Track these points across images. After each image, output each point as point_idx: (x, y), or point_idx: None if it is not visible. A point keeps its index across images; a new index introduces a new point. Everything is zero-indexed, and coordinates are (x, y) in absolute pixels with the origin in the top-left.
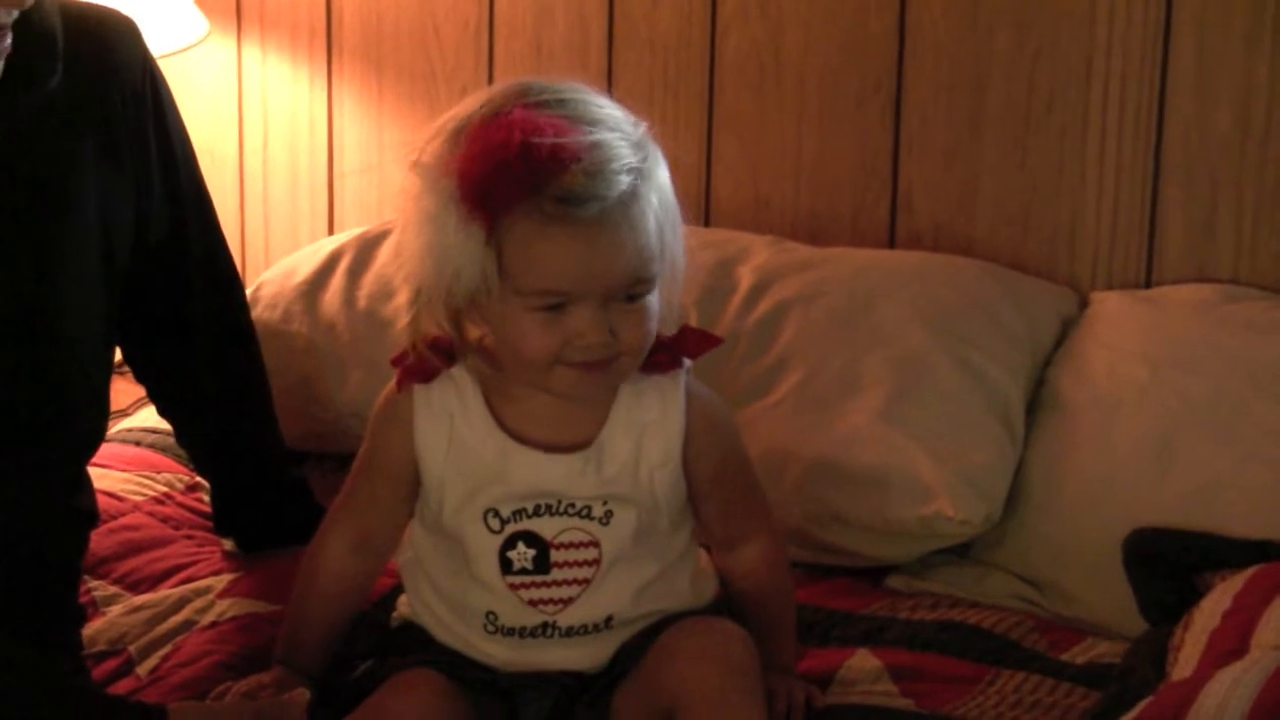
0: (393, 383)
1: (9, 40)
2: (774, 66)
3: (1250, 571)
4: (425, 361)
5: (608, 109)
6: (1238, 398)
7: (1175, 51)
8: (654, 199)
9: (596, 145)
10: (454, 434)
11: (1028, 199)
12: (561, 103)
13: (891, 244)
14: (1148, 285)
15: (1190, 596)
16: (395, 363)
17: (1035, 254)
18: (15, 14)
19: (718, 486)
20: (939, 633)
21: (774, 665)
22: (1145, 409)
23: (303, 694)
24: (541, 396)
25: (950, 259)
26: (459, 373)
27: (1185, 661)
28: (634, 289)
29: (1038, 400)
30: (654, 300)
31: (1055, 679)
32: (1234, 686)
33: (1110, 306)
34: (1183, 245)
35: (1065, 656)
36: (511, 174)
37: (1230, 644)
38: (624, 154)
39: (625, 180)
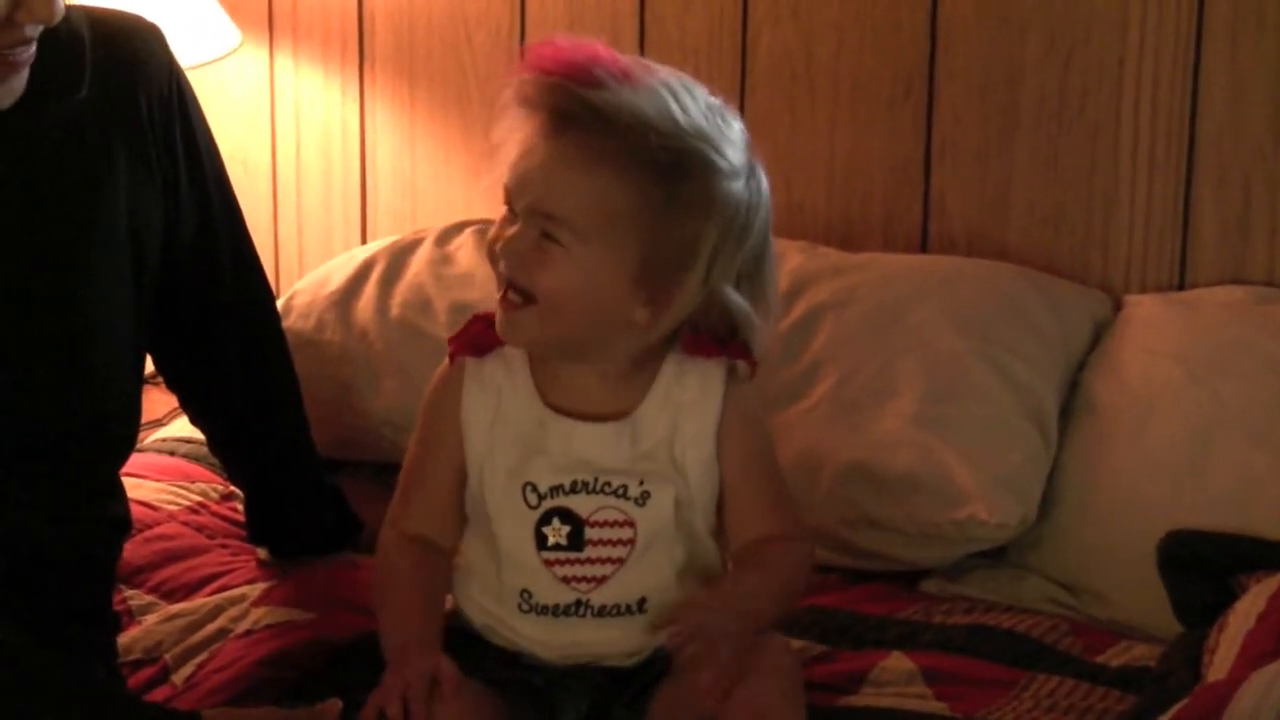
0: (445, 361)
1: (33, 50)
2: (805, 70)
3: None
4: (481, 336)
5: (712, 109)
6: (1273, 400)
7: (1207, 52)
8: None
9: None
10: (500, 408)
11: (1060, 201)
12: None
13: (924, 248)
14: (1181, 288)
15: (1225, 599)
16: (451, 341)
17: (1068, 257)
18: (41, 27)
19: (745, 482)
20: (973, 636)
21: (718, 595)
22: (1179, 412)
23: (335, 704)
24: (584, 370)
25: (983, 263)
26: (510, 349)
27: (1220, 664)
28: (539, 219)
29: (1072, 403)
30: (571, 256)
31: (1090, 682)
32: (1269, 689)
33: (1144, 309)
34: (1216, 247)
35: (1100, 660)
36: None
37: (1265, 646)
38: (668, 110)
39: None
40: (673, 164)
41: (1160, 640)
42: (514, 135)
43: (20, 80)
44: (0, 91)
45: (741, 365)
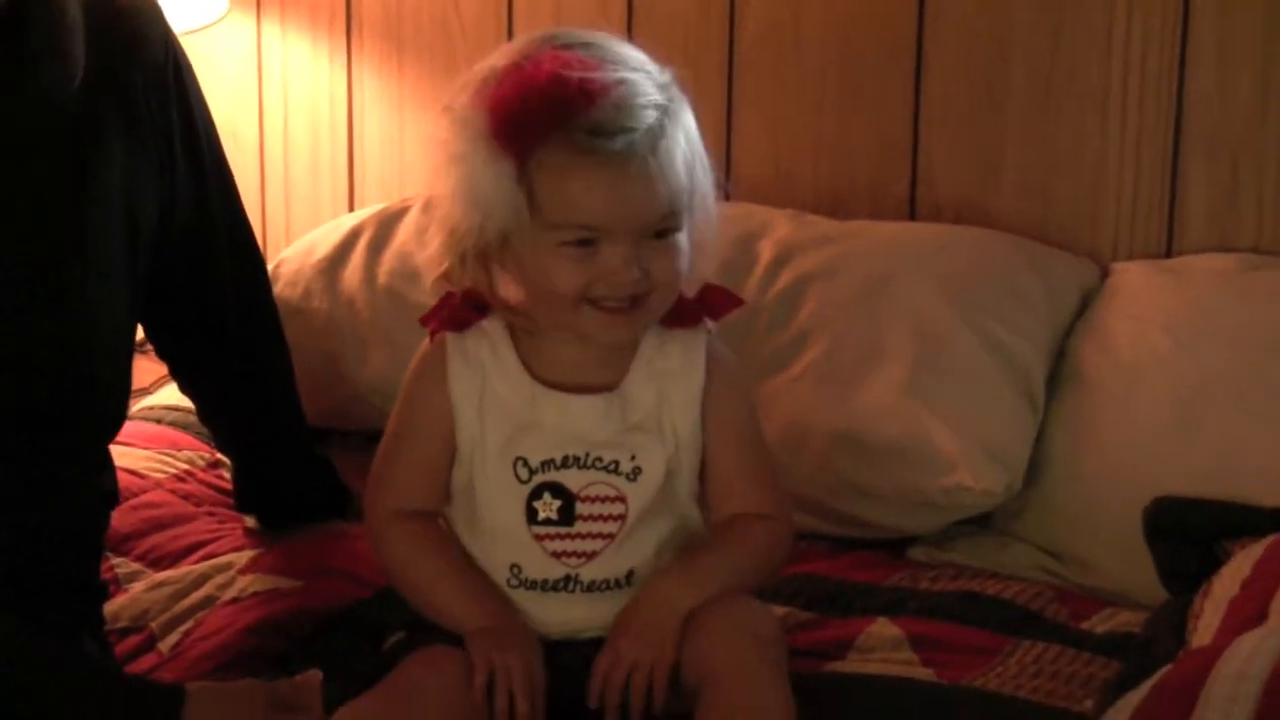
0: (425, 341)
1: None
2: (794, 40)
3: (1271, 539)
4: (458, 312)
5: (633, 51)
6: (1260, 367)
7: (1195, 19)
8: (680, 137)
9: (624, 81)
10: (487, 383)
11: (1048, 170)
12: (587, 45)
13: (912, 217)
14: (1169, 255)
15: (1211, 566)
16: (425, 321)
17: (1056, 225)
18: None
19: (727, 452)
20: (959, 603)
21: (645, 603)
22: (1166, 379)
23: (316, 676)
24: (570, 343)
25: (970, 231)
26: (490, 324)
27: (1205, 630)
28: (663, 224)
29: (1059, 371)
30: (683, 239)
31: (1076, 649)
32: (1253, 654)
33: (1131, 277)
34: (1204, 215)
35: (1086, 626)
36: (541, 106)
37: (1250, 611)
38: (650, 90)
39: (652, 115)
40: (672, 98)
41: (1146, 607)
42: (570, 177)
43: None
44: None
45: (711, 324)
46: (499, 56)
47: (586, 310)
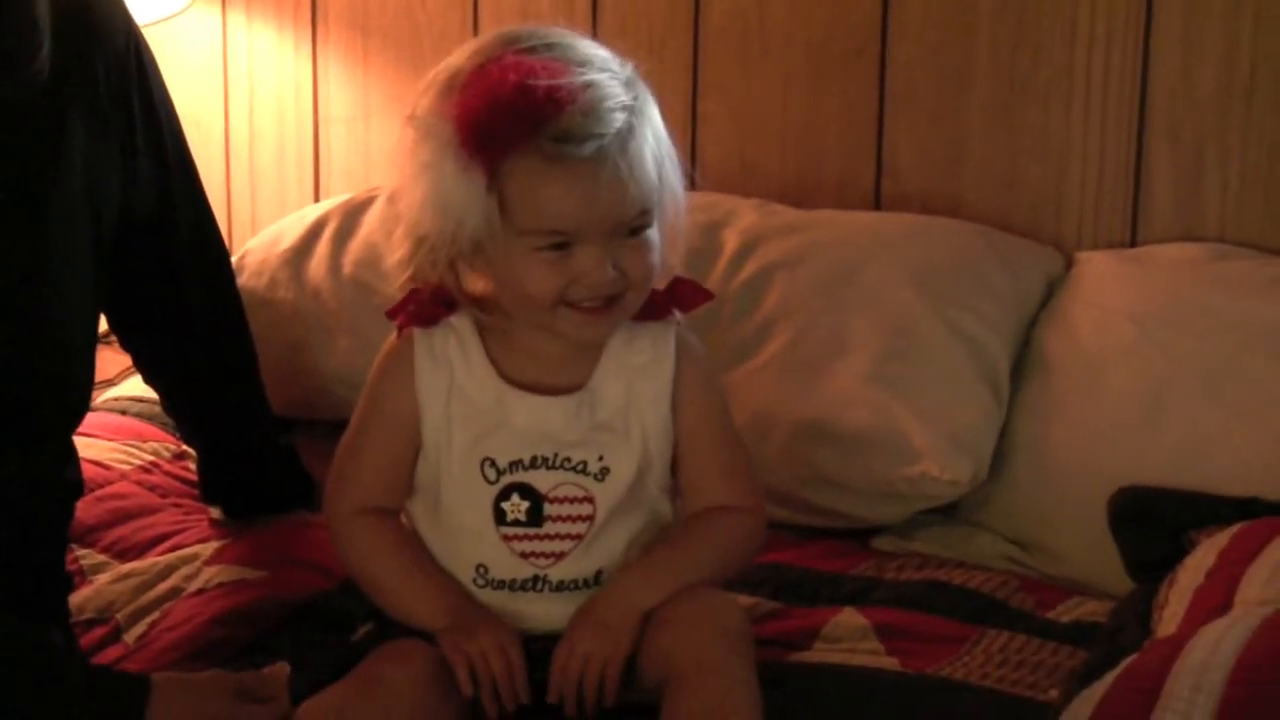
0: (392, 335)
1: None
2: (759, 29)
3: (1235, 528)
4: (425, 308)
5: (595, 50)
6: (1225, 356)
7: (1159, 8)
8: (649, 134)
9: (590, 85)
10: (454, 382)
11: (1013, 159)
12: (550, 46)
13: (878, 206)
14: (1133, 244)
15: (1176, 555)
16: (391, 315)
17: (1021, 215)
18: None
19: (698, 445)
20: (926, 592)
21: (605, 600)
22: (1132, 368)
23: (282, 668)
24: (538, 342)
25: (936, 220)
26: (459, 321)
27: (1170, 619)
28: (635, 223)
29: (1024, 360)
30: (655, 234)
31: (1041, 638)
32: (1218, 643)
33: (1096, 266)
34: (1169, 204)
35: (1051, 615)
36: (509, 116)
37: (1215, 601)
38: (616, 92)
39: (620, 118)
40: (638, 95)
41: (1112, 596)
42: (542, 185)
43: None
44: None
45: (680, 314)
46: (460, 57)
47: (563, 312)
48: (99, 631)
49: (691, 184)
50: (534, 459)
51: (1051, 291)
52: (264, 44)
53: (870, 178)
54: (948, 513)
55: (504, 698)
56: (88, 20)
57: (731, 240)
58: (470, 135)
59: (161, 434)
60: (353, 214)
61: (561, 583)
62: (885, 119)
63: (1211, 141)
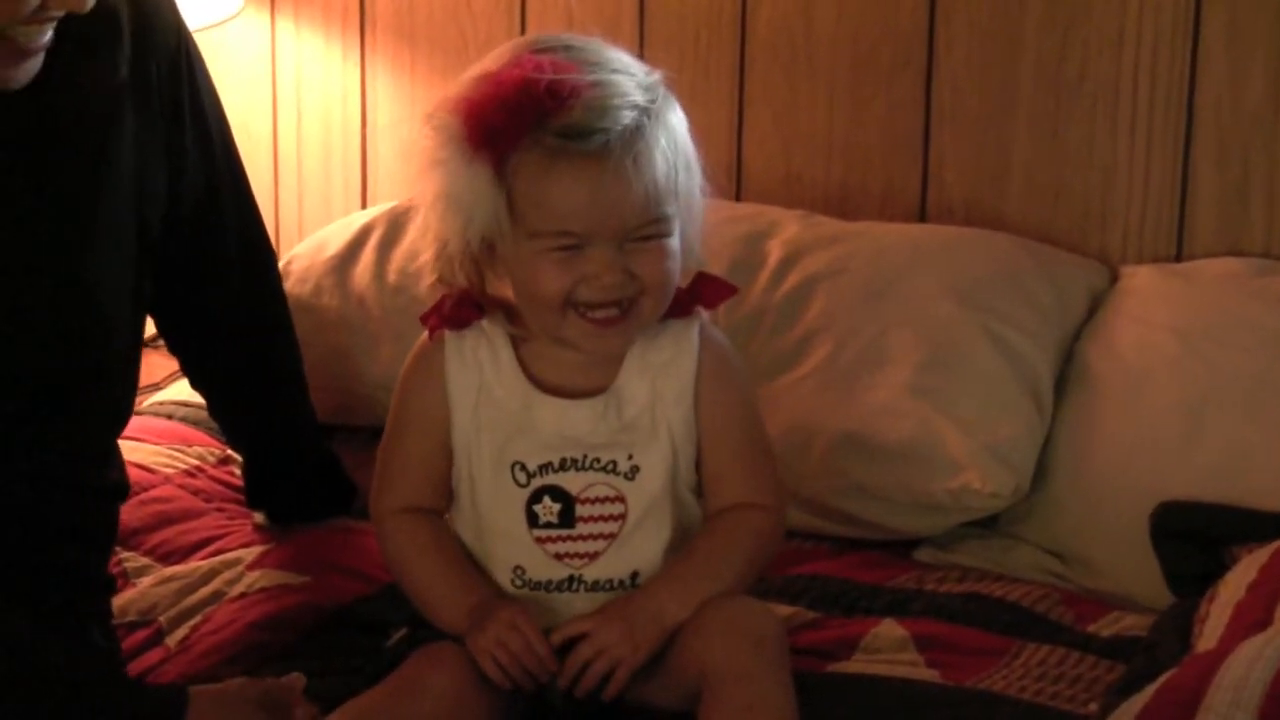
0: (423, 337)
1: (50, 36)
2: (805, 39)
3: (1277, 544)
4: (457, 311)
5: (617, 55)
6: (1268, 372)
7: (1206, 21)
8: (662, 139)
9: (599, 83)
10: (483, 385)
11: (1059, 172)
12: (568, 49)
13: (922, 218)
14: (1178, 259)
15: (1217, 569)
16: (425, 319)
17: (1066, 227)
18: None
19: (721, 442)
20: (965, 604)
21: (636, 604)
22: (1174, 382)
23: (299, 678)
24: (564, 346)
25: (979, 232)
26: (489, 325)
27: (1210, 634)
28: (648, 229)
29: (1066, 374)
30: (673, 242)
31: (1081, 652)
32: (1256, 659)
33: (1140, 280)
34: (1214, 218)
35: (1091, 629)
36: (510, 109)
37: (1255, 616)
38: (628, 92)
39: (629, 115)
40: (655, 99)
41: (1152, 611)
42: (546, 181)
43: (36, 62)
44: (18, 74)
45: (703, 311)
46: (484, 63)
47: (573, 318)
48: (141, 634)
49: (736, 195)
50: (563, 461)
51: (1095, 305)
52: (312, 51)
53: (915, 189)
54: (988, 525)
55: (534, 670)
56: (141, 19)
57: (775, 251)
58: (475, 130)
59: (207, 438)
60: (398, 221)
61: (596, 583)
62: (931, 131)
63: (1258, 155)
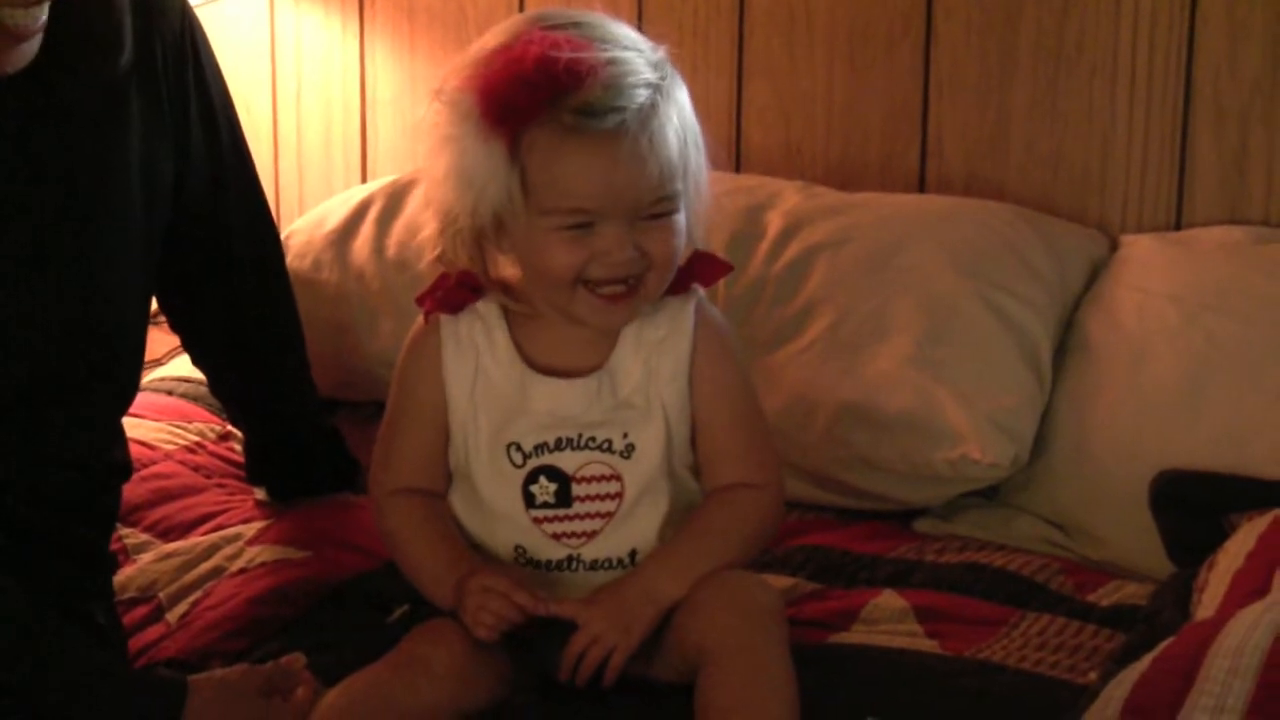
0: (419, 320)
1: (43, 20)
2: (804, 10)
3: (1276, 512)
4: (453, 293)
5: (625, 31)
6: (1268, 340)
7: None
8: (674, 116)
9: (613, 60)
10: (480, 367)
11: (1058, 141)
12: (578, 25)
13: (922, 188)
14: (1178, 227)
15: (1217, 538)
16: (420, 301)
17: (1065, 197)
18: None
19: (716, 421)
20: (965, 575)
21: (630, 584)
22: (1174, 351)
23: (297, 658)
24: (562, 325)
25: (979, 202)
26: (485, 306)
27: (1209, 602)
28: (658, 206)
29: (1066, 343)
30: (680, 219)
31: (1081, 621)
32: (1254, 626)
33: (1140, 249)
34: (1213, 187)
35: (1091, 598)
36: (528, 86)
37: (1253, 584)
38: (641, 69)
39: (643, 94)
40: (665, 75)
41: (1152, 579)
42: (562, 158)
43: (32, 47)
44: (13, 58)
45: (699, 288)
46: (490, 38)
47: (582, 294)
48: (141, 610)
49: (736, 167)
50: (559, 440)
51: (1095, 274)
52: (311, 26)
53: (914, 160)
54: (988, 495)
55: (528, 610)
56: (147, 7)
57: (775, 223)
58: (491, 106)
59: (207, 415)
60: (397, 195)
61: (595, 562)
62: (929, 101)
63: (1257, 124)
